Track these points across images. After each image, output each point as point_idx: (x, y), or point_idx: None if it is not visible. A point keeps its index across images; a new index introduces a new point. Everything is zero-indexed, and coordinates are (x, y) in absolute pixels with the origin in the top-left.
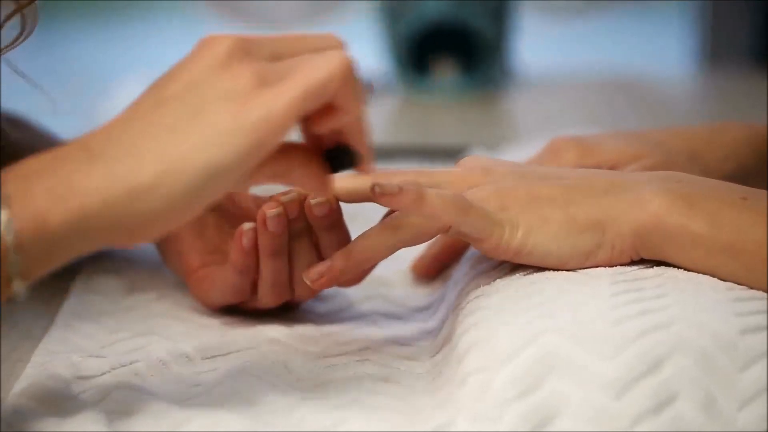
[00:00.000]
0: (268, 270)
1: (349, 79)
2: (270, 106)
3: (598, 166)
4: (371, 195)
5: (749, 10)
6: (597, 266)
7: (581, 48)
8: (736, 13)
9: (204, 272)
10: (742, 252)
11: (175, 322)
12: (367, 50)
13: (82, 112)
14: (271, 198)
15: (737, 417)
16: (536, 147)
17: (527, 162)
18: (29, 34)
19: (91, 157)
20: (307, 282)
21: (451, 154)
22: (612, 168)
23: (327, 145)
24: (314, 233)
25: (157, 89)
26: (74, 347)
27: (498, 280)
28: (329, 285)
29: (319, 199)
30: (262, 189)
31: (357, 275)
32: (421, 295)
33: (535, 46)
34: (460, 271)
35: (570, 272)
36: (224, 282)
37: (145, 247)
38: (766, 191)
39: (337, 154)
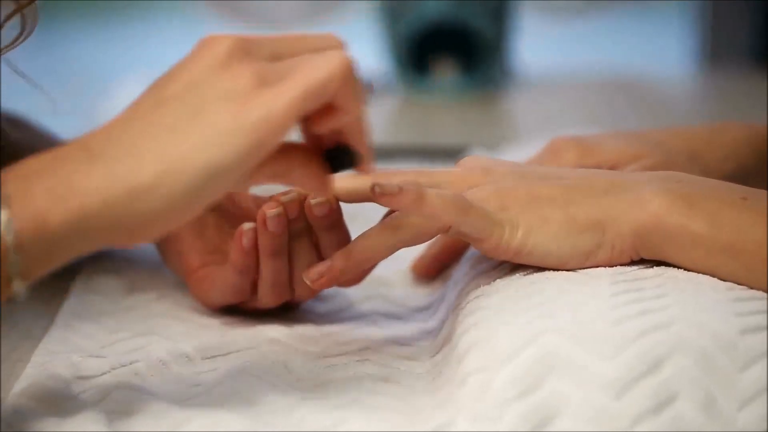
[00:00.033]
0: (268, 270)
1: (349, 78)
2: (270, 106)
3: (598, 166)
4: (371, 195)
5: (749, 10)
6: (597, 266)
7: (581, 48)
8: (736, 13)
9: (204, 272)
10: (742, 252)
11: (175, 322)
12: (367, 50)
13: (82, 112)
14: (271, 198)
15: (737, 417)
16: (536, 147)
17: (527, 162)
18: (29, 34)
19: (91, 157)
20: (307, 282)
21: (451, 154)
22: (612, 168)
23: (327, 145)
24: (314, 233)
25: (157, 89)
26: (74, 347)
27: (498, 280)
28: (329, 285)
29: (319, 199)
30: (262, 189)
31: (357, 275)
32: (421, 295)
33: (535, 46)
34: (460, 271)
35: (570, 272)
36: (224, 282)
37: (145, 247)
38: (766, 191)
39: (337, 154)
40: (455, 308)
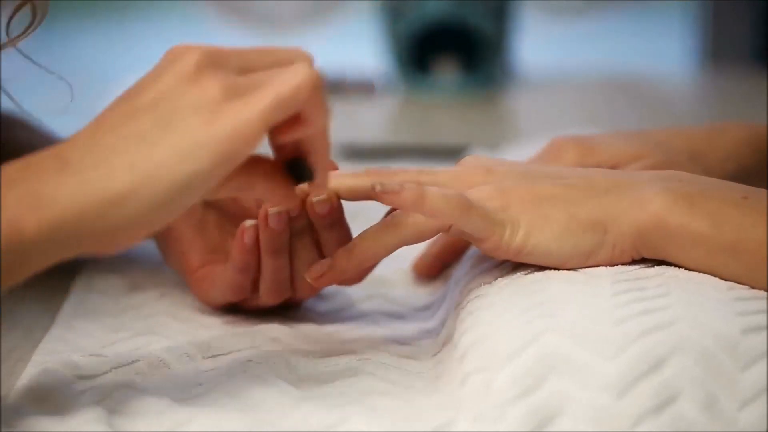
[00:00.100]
0: (268, 268)
1: (317, 91)
2: (240, 117)
3: (599, 166)
4: (372, 193)
5: (750, 10)
6: (598, 266)
7: (582, 48)
8: (736, 13)
9: (205, 271)
10: (743, 251)
11: (176, 321)
12: (368, 50)
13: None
14: None
15: (738, 417)
16: (537, 146)
17: (528, 161)
18: (40, 23)
19: (64, 167)
20: (308, 280)
21: (451, 153)
22: (612, 168)
23: (290, 155)
24: (315, 231)
25: (127, 99)
26: (75, 346)
27: (499, 280)
28: (330, 283)
29: (320, 197)
30: None
31: (358, 274)
32: (422, 294)
33: (536, 45)
34: (461, 270)
35: (571, 272)
36: (225, 280)
37: (146, 245)
38: (767, 190)
39: (298, 165)
40: (456, 307)
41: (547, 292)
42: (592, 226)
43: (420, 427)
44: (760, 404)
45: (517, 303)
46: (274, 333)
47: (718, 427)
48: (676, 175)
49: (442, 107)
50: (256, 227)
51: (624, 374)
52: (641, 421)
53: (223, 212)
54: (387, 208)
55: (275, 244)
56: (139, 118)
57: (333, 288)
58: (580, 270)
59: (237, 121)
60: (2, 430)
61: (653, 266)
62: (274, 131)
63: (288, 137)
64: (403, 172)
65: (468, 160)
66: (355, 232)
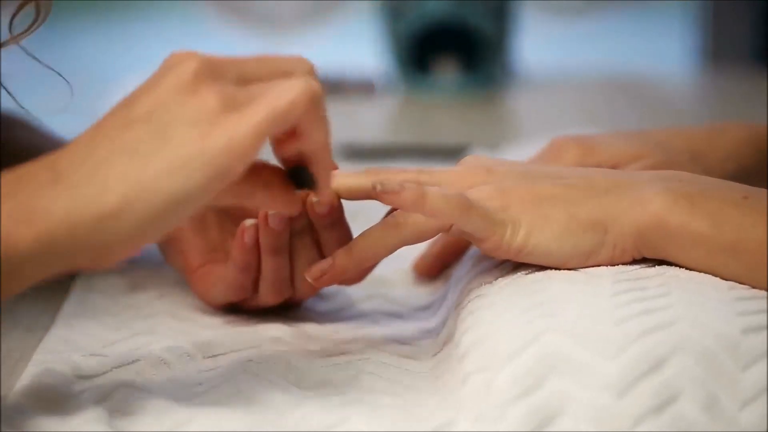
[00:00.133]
0: (269, 267)
1: (314, 106)
2: (233, 133)
3: (599, 166)
4: (373, 193)
5: (750, 10)
6: (599, 265)
7: (582, 48)
8: (736, 13)
9: (205, 270)
10: (744, 251)
11: (177, 320)
12: (368, 50)
13: (82, 112)
14: None
15: (739, 417)
16: (537, 146)
17: (528, 161)
18: (44, 21)
19: (57, 179)
20: (309, 280)
21: (451, 153)
22: (613, 168)
23: (292, 163)
24: (316, 231)
25: (123, 109)
26: (75, 346)
27: (499, 279)
28: (331, 283)
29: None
30: None
31: (358, 273)
32: (422, 294)
33: (536, 45)
34: (462, 270)
35: (572, 271)
36: (225, 280)
37: (146, 245)
38: (767, 190)
39: (300, 173)
40: (456, 307)
41: (548, 291)
42: (593, 226)
43: (420, 426)
44: (761, 404)
45: (518, 303)
46: (274, 333)
47: (719, 427)
48: (677, 175)
49: (442, 107)
50: (257, 227)
51: (624, 374)
52: (642, 420)
53: (223, 212)
54: (387, 208)
55: (275, 244)
56: (134, 129)
57: (333, 288)
58: (581, 270)
59: (230, 136)
60: (2, 430)
61: (654, 266)
62: (275, 142)
63: (287, 150)
64: (403, 172)
65: (468, 160)
66: (355, 232)
